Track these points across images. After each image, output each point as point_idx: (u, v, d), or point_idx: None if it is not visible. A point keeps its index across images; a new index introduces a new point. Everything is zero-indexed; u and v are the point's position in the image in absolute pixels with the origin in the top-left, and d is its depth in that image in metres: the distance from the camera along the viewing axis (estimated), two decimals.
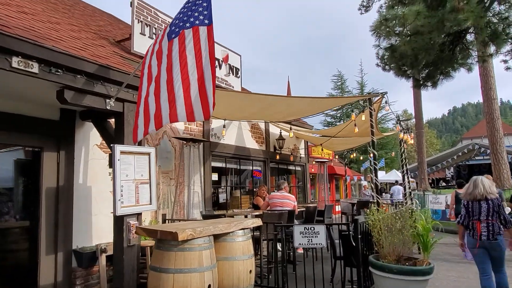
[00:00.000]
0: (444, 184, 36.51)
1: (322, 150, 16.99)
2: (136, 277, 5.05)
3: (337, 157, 20.66)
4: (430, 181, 40.11)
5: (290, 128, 7.97)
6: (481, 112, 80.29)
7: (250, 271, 4.78)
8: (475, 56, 16.99)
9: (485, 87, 18.70)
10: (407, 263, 4.63)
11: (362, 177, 27.98)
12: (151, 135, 7.00)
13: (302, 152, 12.85)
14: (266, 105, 6.85)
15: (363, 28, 18.31)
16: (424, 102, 27.09)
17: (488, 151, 30.66)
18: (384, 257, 4.68)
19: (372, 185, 5.76)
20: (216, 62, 8.72)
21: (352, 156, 15.89)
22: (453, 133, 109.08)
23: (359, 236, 4.54)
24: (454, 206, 8.78)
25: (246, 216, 6.98)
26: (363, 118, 6.58)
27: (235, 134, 9.33)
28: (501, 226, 4.30)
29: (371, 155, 5.83)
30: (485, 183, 4.49)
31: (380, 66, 21.36)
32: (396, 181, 26.07)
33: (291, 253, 6.79)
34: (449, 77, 17.42)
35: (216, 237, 4.54)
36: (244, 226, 4.80)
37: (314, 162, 12.97)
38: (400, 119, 8.33)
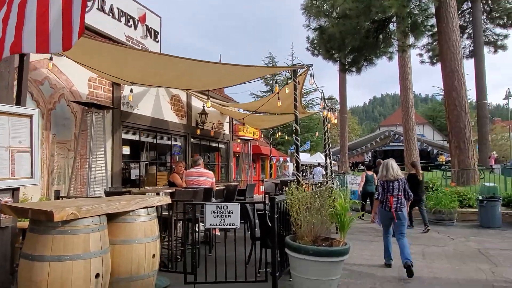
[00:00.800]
0: (363, 167, 39.08)
1: (246, 127, 16.69)
2: (10, 267, 4.14)
3: (263, 136, 20.61)
4: (350, 164, 42.79)
5: (208, 98, 7.28)
6: (397, 102, 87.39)
7: (154, 255, 4.14)
8: (396, 46, 17.97)
9: (402, 77, 19.92)
10: (324, 244, 4.40)
11: (288, 159, 28.58)
12: (43, 97, 5.85)
13: (227, 129, 12.33)
14: (183, 70, 6.11)
15: (297, 13, 18.17)
16: (348, 89, 28.39)
17: (402, 138, 33.44)
18: (302, 238, 4.39)
19: (294, 162, 5.63)
20: (131, 20, 7.68)
21: (277, 136, 15.86)
22: (372, 121, 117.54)
23: (276, 216, 4.17)
24: (362, 184, 10.11)
25: (158, 194, 6.27)
26: (287, 91, 6.20)
27: (151, 104, 8.43)
28: (405, 201, 5.46)
29: (295, 129, 5.50)
30: (394, 166, 5.57)
31: (309, 50, 21.76)
32: (319, 163, 27.18)
33: (208, 234, 6.29)
34: (372, 64, 18.26)
35: (113, 217, 3.81)
36: (148, 204, 4.12)
37: (239, 141, 12.55)
38: (325, 96, 8.21)
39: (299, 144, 5.62)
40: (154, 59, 5.94)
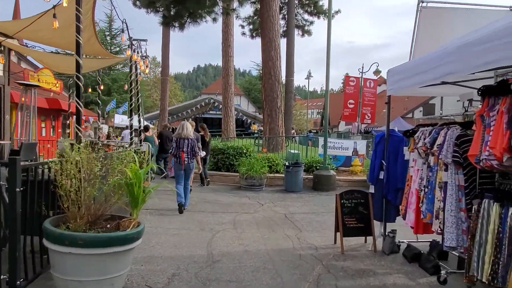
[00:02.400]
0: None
1: (44, 75, 13.26)
2: None
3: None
4: (170, 130, 41.81)
5: None
6: (219, 73, 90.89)
7: None
8: (220, 7, 17.53)
9: (225, 44, 19.82)
10: (108, 225, 3.11)
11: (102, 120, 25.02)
12: None
13: None
14: None
15: None
16: (173, 57, 26.91)
17: (221, 106, 34.57)
18: (74, 219, 2.97)
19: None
20: None
21: (89, 91, 12.90)
22: (195, 89, 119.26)
23: (20, 189, 2.60)
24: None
25: None
26: (65, 4, 4.20)
27: None
28: (193, 156, 6.58)
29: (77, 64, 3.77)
30: (188, 127, 6.63)
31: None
32: (127, 126, 25.01)
33: None
34: (196, 22, 17.16)
35: None
36: None
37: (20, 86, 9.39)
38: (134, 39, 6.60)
39: (81, 85, 3.94)
40: None
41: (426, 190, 3.71)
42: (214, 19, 16.73)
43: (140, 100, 7.22)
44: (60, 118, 18.12)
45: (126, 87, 8.78)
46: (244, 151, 10.07)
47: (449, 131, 3.43)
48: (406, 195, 4.21)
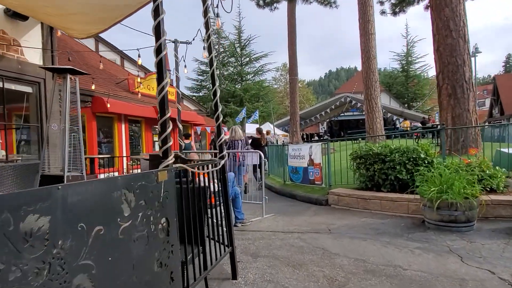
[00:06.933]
0: (316, 138, 35.37)
1: (144, 82, 11.67)
2: None
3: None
4: (305, 136, 38.96)
5: None
6: (352, 75, 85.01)
7: None
8: None
9: (363, 19, 15.51)
10: None
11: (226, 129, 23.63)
12: None
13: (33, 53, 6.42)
14: None
15: None
16: (303, 66, 23.95)
17: (359, 104, 29.62)
18: None
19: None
20: None
21: None
22: (328, 94, 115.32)
23: None
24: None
25: None
26: None
27: None
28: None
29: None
30: (238, 131, 8.38)
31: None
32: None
33: None
34: None
35: None
36: None
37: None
38: None
39: None
40: None
41: None
42: None
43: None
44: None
45: (205, 55, 5.78)
46: (422, 156, 5.76)
47: None
48: None
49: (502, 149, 6.48)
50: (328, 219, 5.80)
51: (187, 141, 11.41)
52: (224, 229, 3.26)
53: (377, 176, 6.13)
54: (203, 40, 3.31)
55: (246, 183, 8.54)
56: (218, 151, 3.22)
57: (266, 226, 5.49)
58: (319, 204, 7.06)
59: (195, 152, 8.87)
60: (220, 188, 3.26)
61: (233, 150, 8.12)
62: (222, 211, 3.30)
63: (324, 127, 37.60)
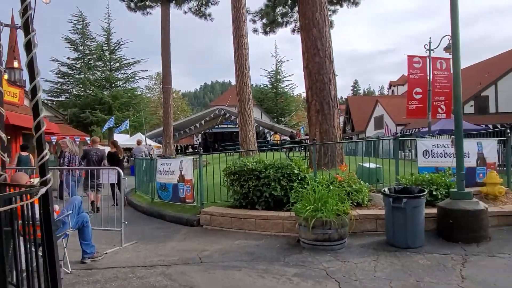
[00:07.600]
0: (191, 150, 34.59)
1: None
2: None
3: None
4: (179, 147, 37.72)
5: None
6: (227, 88, 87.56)
7: None
8: None
9: (236, 33, 15.68)
10: None
11: (87, 139, 20.88)
12: None
13: None
14: None
15: None
16: (179, 76, 23.00)
17: (233, 117, 30.12)
18: None
19: None
20: None
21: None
22: (203, 106, 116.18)
23: None
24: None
25: None
26: None
27: None
28: None
29: None
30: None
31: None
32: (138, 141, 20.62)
33: None
34: None
35: None
36: None
37: None
38: None
39: None
40: None
41: None
42: None
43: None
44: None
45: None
46: (296, 171, 5.62)
47: None
48: None
49: (364, 164, 6.91)
50: (199, 243, 5.13)
51: (24, 154, 9.68)
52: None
53: (252, 193, 5.77)
54: (19, 15, 2.28)
55: (98, 206, 7.37)
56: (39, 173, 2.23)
57: (124, 260, 4.50)
58: (190, 225, 6.35)
59: (31, 168, 7.18)
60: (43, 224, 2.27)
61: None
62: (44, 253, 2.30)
63: (198, 139, 37.12)
